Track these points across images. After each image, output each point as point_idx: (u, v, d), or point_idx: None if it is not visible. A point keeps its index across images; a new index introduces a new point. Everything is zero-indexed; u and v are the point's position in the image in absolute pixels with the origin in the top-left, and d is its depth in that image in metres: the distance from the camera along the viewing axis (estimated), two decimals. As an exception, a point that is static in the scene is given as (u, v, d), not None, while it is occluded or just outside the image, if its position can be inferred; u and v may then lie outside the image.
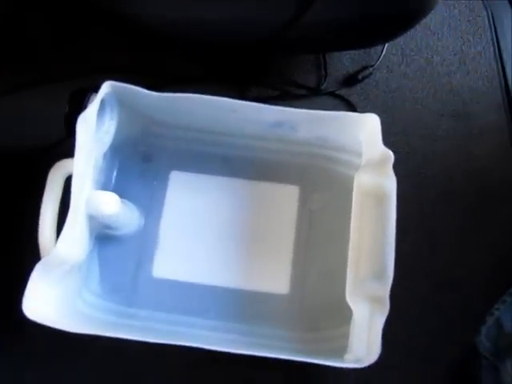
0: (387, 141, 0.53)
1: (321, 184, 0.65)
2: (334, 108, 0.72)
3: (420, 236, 0.66)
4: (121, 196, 0.58)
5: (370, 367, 0.46)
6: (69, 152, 0.52)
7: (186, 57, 0.72)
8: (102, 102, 0.54)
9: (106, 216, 0.55)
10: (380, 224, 0.52)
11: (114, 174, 0.64)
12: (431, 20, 0.75)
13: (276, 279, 0.62)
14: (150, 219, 0.64)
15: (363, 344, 0.48)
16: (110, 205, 0.55)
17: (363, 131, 0.56)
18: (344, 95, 0.72)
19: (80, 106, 0.53)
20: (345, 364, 0.47)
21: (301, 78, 0.73)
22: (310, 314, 0.61)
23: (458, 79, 0.73)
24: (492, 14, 0.77)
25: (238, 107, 0.55)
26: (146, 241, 0.63)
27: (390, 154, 0.52)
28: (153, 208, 0.64)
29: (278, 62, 0.73)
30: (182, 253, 0.63)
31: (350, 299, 0.52)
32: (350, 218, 0.56)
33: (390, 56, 0.74)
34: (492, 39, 0.75)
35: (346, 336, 0.53)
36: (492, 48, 0.74)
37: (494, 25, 0.76)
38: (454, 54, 0.74)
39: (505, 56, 0.74)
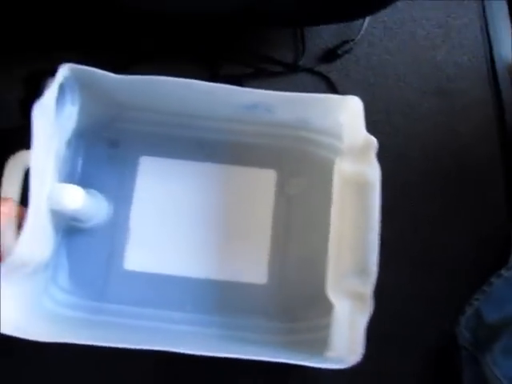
0: (369, 120, 0.51)
1: (300, 168, 0.62)
2: (313, 86, 0.68)
3: (403, 219, 0.64)
4: (89, 185, 0.54)
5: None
6: (28, 142, 0.48)
7: (152, 33, 0.67)
8: (62, 86, 0.49)
9: (71, 210, 0.52)
10: (362, 215, 0.49)
11: (80, 162, 0.60)
12: (415, -10, 0.71)
13: (253, 268, 0.60)
14: (120, 208, 0.60)
15: (344, 342, 0.47)
16: (75, 199, 0.51)
17: (345, 114, 0.53)
18: (323, 72, 0.68)
19: (36, 91, 0.48)
20: (327, 364, 0.45)
21: (277, 53, 0.69)
22: (290, 303, 0.59)
23: (443, 54, 0.70)
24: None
25: (207, 89, 0.51)
26: (116, 231, 0.60)
27: (374, 141, 0.49)
28: (123, 196, 0.61)
29: (252, 36, 0.69)
30: (155, 243, 0.60)
31: (331, 294, 0.50)
32: (331, 204, 0.53)
33: (371, 29, 0.70)
34: (478, 10, 0.71)
35: (328, 327, 0.51)
36: (478, 19, 0.71)
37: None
38: (439, 27, 0.71)
39: (491, 28, 0.70)
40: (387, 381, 0.61)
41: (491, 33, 0.70)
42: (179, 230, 0.60)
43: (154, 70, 0.51)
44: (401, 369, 0.60)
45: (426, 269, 0.63)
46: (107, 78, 0.50)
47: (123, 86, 0.52)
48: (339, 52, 0.68)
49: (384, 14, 0.69)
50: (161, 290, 0.59)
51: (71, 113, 0.54)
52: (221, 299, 0.59)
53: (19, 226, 0.49)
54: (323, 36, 0.70)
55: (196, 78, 0.50)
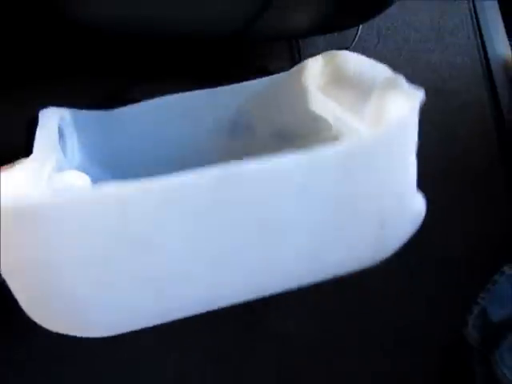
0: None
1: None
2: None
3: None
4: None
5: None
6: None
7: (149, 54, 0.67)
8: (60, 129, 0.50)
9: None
10: None
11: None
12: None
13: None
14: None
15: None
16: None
17: None
18: (320, 80, 0.69)
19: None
20: None
21: (273, 64, 0.69)
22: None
23: (437, 55, 0.70)
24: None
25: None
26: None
27: None
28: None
29: (247, 48, 0.70)
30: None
31: None
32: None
33: (365, 36, 0.70)
34: (470, 10, 0.71)
35: None
36: (470, 20, 0.71)
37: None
38: (432, 29, 0.71)
39: (483, 27, 0.71)
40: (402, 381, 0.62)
41: (484, 32, 0.71)
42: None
43: (153, 91, 0.52)
44: (413, 368, 0.61)
45: (431, 269, 0.64)
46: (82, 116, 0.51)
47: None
48: (335, 60, 0.69)
49: (377, 20, 0.70)
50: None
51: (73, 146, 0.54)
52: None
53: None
54: (318, 45, 0.70)
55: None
